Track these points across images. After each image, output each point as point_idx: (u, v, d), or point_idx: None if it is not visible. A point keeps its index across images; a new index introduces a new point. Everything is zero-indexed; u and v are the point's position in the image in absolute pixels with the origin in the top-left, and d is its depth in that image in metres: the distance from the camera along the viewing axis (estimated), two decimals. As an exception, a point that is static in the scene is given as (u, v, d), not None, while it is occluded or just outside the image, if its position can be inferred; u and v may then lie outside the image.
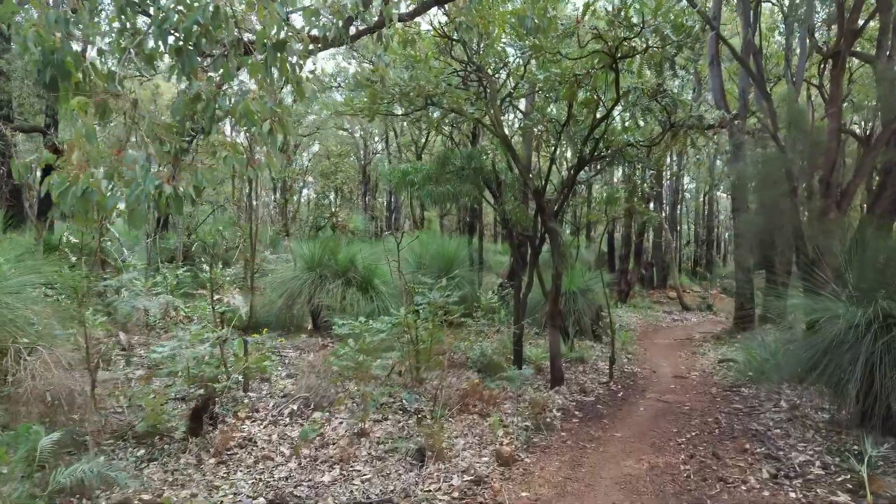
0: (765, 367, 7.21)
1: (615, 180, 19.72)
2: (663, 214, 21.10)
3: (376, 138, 28.54)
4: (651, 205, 20.21)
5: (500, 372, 7.78)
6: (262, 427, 5.19)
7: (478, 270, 13.45)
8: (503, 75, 7.49)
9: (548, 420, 5.79)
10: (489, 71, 6.97)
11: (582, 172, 7.81)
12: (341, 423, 5.34)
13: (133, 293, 8.69)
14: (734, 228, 11.46)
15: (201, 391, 5.20)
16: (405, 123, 18.05)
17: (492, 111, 6.85)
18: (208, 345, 5.52)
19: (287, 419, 5.40)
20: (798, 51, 12.34)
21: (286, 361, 7.95)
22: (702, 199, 31.94)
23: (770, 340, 8.25)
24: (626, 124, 7.25)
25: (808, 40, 12.00)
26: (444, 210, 26.29)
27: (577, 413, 6.26)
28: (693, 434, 5.52)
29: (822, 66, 13.36)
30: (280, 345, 8.79)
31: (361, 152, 28.93)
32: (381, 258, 13.72)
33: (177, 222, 15.92)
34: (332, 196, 21.26)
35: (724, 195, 40.76)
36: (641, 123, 6.80)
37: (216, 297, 9.59)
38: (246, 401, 5.77)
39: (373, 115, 7.03)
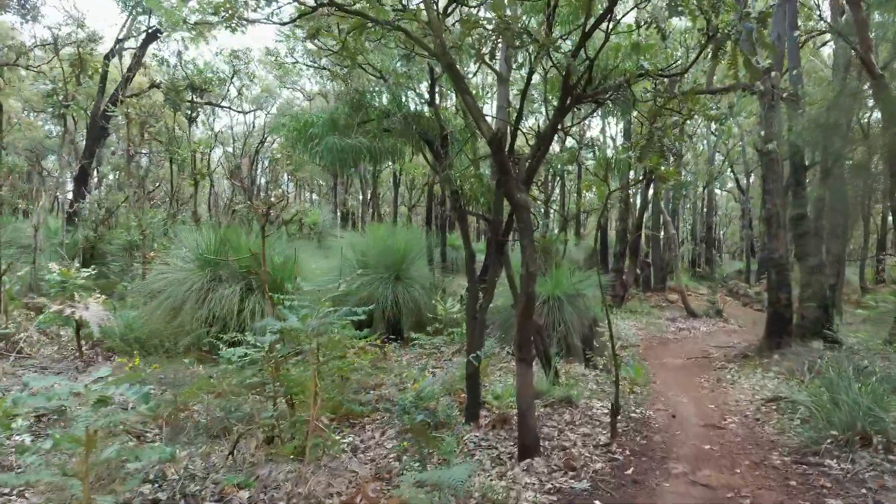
0: (857, 418, 4.58)
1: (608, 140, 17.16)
2: (662, 203, 18.50)
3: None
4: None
5: (448, 427, 5.11)
6: None
7: (440, 270, 10.78)
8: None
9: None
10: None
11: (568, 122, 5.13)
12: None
13: None
14: (794, 208, 8.77)
15: None
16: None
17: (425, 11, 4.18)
18: None
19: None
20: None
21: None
22: (701, 193, 29.46)
23: (849, 369, 5.63)
24: (640, 35, 4.58)
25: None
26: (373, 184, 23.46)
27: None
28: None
29: None
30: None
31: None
32: (316, 257, 11.00)
33: (80, 212, 13.05)
34: (289, 186, 18.45)
35: (723, 192, 38.40)
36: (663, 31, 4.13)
37: (61, 307, 6.83)
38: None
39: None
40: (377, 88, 5.47)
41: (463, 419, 5.34)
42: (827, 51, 17.95)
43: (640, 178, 4.16)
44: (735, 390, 7.23)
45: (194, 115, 11.18)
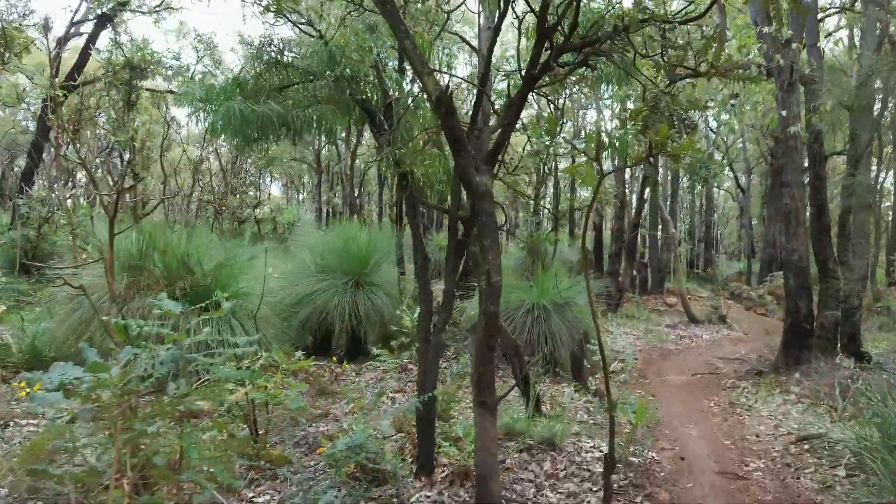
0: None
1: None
2: (660, 201, 17.37)
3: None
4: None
5: (393, 481, 3.93)
6: None
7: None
8: None
9: None
10: None
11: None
12: None
13: None
14: (813, 204, 7.63)
15: None
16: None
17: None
18: None
19: None
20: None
21: None
22: (700, 192, 28.38)
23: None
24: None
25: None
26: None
27: None
28: None
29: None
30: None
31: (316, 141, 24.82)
32: (278, 259, 9.78)
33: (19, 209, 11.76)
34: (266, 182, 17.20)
35: (721, 191, 37.24)
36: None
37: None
38: None
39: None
40: (309, 46, 4.26)
41: (413, 470, 4.16)
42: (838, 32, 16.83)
43: (645, 155, 3.01)
44: (752, 419, 6.05)
45: (133, 97, 9.97)
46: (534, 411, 5.24)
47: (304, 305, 7.83)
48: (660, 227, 18.42)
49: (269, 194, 17.51)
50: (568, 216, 26.77)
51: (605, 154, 3.89)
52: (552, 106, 8.82)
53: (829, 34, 17.81)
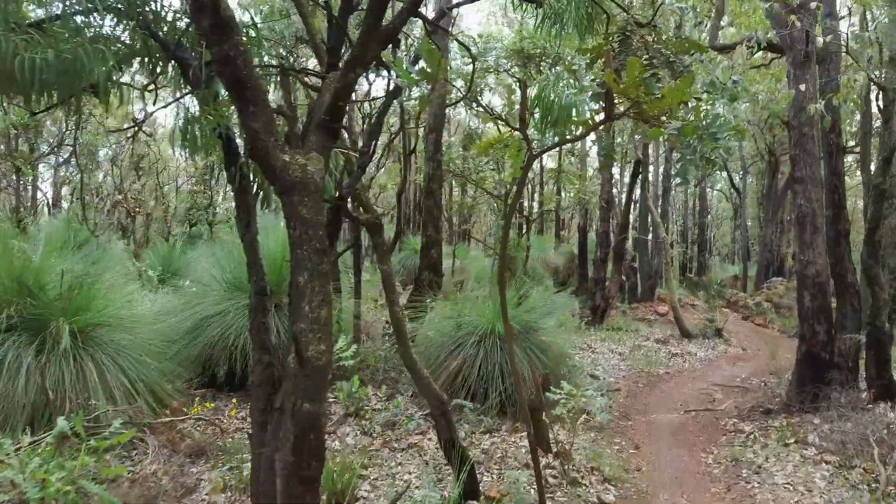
0: None
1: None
2: (651, 202, 15.96)
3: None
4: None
5: None
6: None
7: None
8: None
9: None
10: None
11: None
12: None
13: None
14: (829, 205, 6.20)
15: None
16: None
17: None
18: None
19: None
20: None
21: None
22: (694, 192, 27.06)
23: None
24: None
25: None
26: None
27: None
28: None
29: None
30: None
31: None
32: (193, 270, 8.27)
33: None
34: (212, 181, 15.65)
35: (714, 191, 35.82)
36: None
37: None
38: None
39: None
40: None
41: None
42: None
43: (602, 117, 1.70)
44: (764, 489, 4.59)
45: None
46: (461, 492, 3.73)
47: (204, 330, 6.34)
48: (650, 230, 17.00)
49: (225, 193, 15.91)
50: (555, 216, 25.38)
51: (543, 122, 2.42)
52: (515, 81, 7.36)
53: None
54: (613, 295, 14.49)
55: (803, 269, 6.26)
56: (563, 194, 17.77)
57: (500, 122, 2.46)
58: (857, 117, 12.79)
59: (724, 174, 29.00)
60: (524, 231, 11.89)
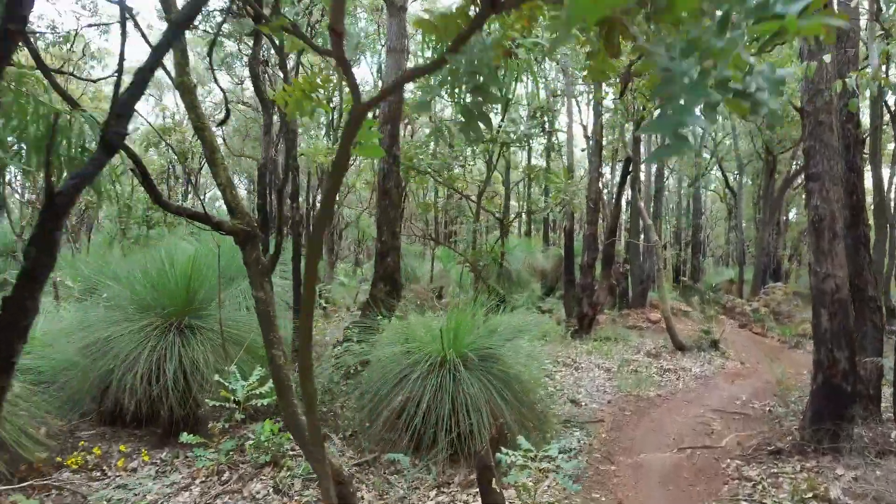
0: None
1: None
2: (642, 203, 14.95)
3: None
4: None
5: None
6: None
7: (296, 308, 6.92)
8: None
9: None
10: None
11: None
12: None
13: None
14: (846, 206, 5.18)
15: None
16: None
17: None
18: None
19: None
20: None
21: None
22: (688, 192, 26.13)
23: None
24: None
25: None
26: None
27: None
28: None
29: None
30: None
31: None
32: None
33: None
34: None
35: (707, 192, 34.84)
36: None
37: None
38: None
39: None
40: None
41: None
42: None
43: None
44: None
45: None
46: None
47: (104, 355, 5.25)
48: (641, 233, 15.99)
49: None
50: (543, 219, 24.36)
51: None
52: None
53: None
54: (602, 302, 13.44)
55: (820, 283, 5.22)
56: (544, 195, 16.70)
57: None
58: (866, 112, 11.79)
59: (719, 174, 28.12)
60: (500, 236, 10.76)
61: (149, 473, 4.57)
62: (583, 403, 7.36)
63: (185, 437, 4.50)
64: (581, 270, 13.40)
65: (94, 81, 10.55)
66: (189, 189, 19.99)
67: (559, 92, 14.80)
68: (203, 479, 4.45)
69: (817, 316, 5.27)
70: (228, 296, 5.58)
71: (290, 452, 4.85)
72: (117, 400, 5.19)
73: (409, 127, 15.77)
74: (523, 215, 18.06)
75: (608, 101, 12.57)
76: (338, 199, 14.33)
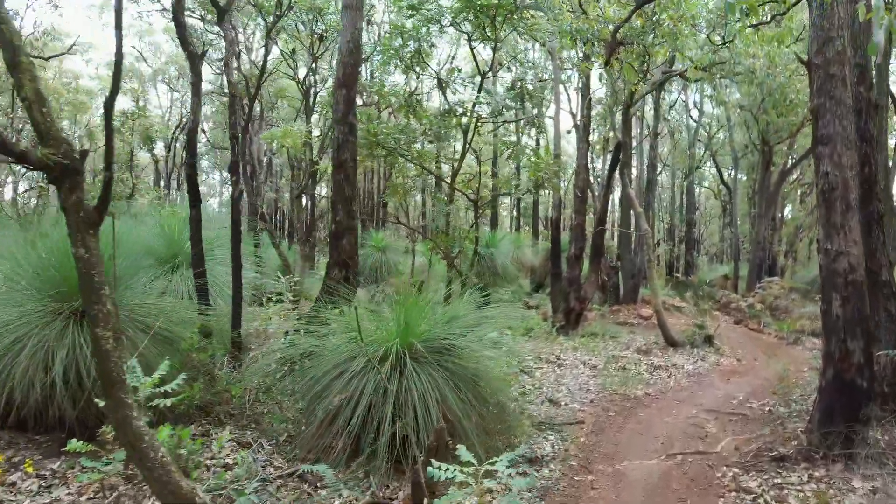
0: None
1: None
2: (633, 191, 14.21)
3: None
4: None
5: None
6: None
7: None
8: None
9: None
10: None
11: None
12: None
13: None
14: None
15: None
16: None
17: None
18: None
19: None
20: None
21: None
22: (681, 185, 25.47)
23: None
24: None
25: None
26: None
27: None
28: None
29: None
30: None
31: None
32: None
33: None
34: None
35: (701, 188, 34.14)
36: None
37: None
38: None
39: None
40: None
41: None
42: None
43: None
44: None
45: None
46: None
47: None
48: (632, 223, 15.28)
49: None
50: (532, 211, 23.66)
51: None
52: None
53: None
54: (589, 297, 12.71)
55: (831, 263, 4.48)
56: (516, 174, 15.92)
57: None
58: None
59: (713, 170, 27.45)
60: (473, 221, 9.98)
61: (29, 488, 3.79)
62: (562, 403, 6.61)
63: (72, 444, 3.71)
64: (568, 263, 12.66)
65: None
66: None
67: (544, 78, 14.07)
68: (91, 495, 3.68)
69: (828, 301, 4.53)
70: (146, 278, 4.80)
71: (207, 463, 4.08)
72: (9, 400, 4.41)
73: (391, 116, 14.99)
74: (502, 199, 17.23)
75: (596, 91, 11.81)
76: (308, 186, 13.50)
